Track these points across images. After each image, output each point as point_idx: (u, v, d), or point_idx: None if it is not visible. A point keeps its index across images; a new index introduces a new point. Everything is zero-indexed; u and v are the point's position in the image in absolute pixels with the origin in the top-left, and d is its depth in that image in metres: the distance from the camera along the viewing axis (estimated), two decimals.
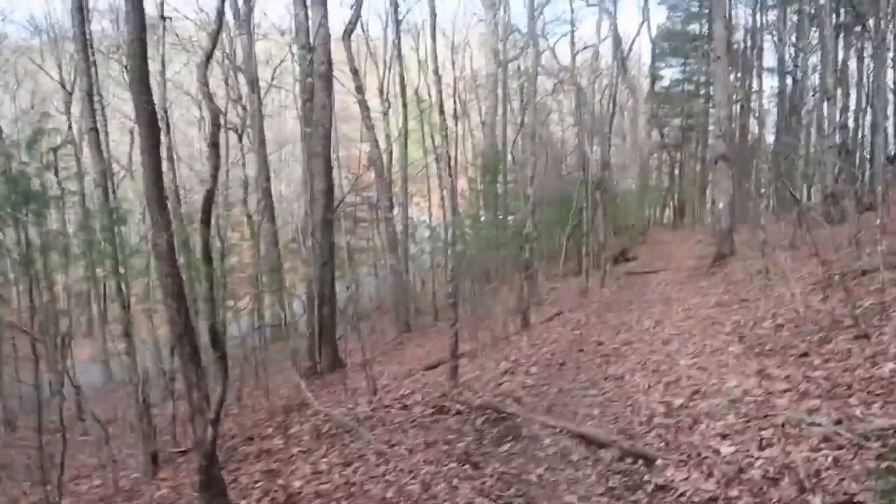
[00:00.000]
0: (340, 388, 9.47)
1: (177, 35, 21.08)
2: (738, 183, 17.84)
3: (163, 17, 15.58)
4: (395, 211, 21.92)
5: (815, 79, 27.73)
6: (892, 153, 16.74)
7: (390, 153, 21.06)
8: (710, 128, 33.67)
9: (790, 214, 19.59)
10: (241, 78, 18.86)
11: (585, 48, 28.72)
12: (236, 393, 11.32)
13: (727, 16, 14.00)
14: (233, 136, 18.97)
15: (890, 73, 21.69)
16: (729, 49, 15.30)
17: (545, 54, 28.55)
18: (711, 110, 32.79)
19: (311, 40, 10.56)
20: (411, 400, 6.34)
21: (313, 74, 10.70)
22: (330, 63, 10.84)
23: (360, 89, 15.61)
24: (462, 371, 7.57)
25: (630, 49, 33.28)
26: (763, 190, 18.94)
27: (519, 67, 25.79)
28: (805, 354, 5.38)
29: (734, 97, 20.82)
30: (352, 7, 15.70)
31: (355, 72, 15.48)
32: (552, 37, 52.89)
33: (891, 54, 21.00)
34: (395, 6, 19.63)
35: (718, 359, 5.84)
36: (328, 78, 10.74)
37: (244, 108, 18.82)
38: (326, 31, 10.67)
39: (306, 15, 10.98)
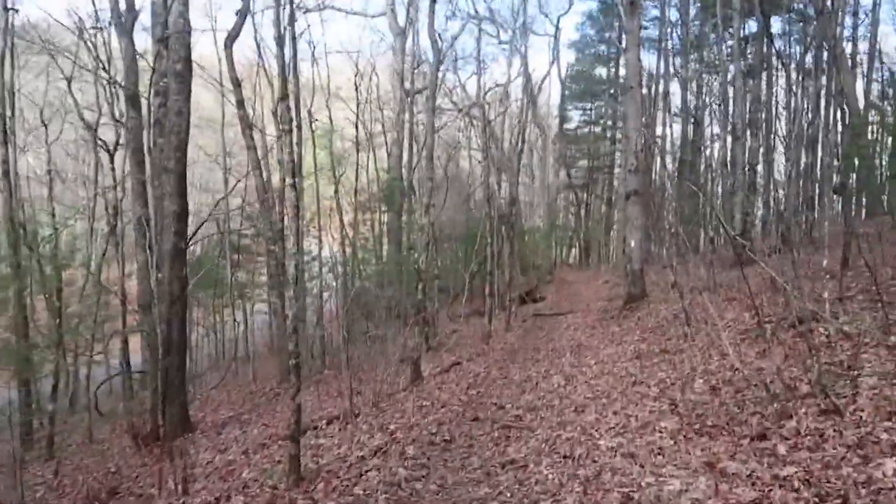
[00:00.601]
0: (175, 466, 7.46)
1: (40, 38, 18.50)
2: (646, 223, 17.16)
3: (6, 8, 13.24)
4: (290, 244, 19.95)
5: (715, 124, 28.46)
6: (838, 183, 16.50)
7: (282, 179, 19.12)
8: (617, 166, 33.98)
9: (695, 256, 19.25)
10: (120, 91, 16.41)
11: (497, 86, 28.19)
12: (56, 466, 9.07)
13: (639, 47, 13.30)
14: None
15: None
16: (642, 81, 14.69)
17: (456, 90, 27.78)
18: (619, 150, 33.15)
19: (166, 31, 8.74)
20: None
21: (168, 73, 8.85)
22: (189, 61, 9.02)
23: (241, 104, 13.79)
24: (322, 449, 5.83)
25: (540, 88, 33.08)
26: (673, 230, 18.35)
27: (427, 99, 24.72)
28: (763, 436, 4.03)
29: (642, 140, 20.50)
30: (237, 13, 14.00)
31: (237, 83, 13.67)
32: (463, 72, 52.91)
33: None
34: (292, 20, 17.93)
35: (649, 440, 4.41)
36: (185, 79, 8.91)
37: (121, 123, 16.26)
38: (186, 22, 8.88)
39: (165, 2, 9.17)
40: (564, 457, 4.40)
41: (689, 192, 24.16)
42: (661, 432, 4.53)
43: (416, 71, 25.17)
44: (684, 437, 4.37)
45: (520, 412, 6.08)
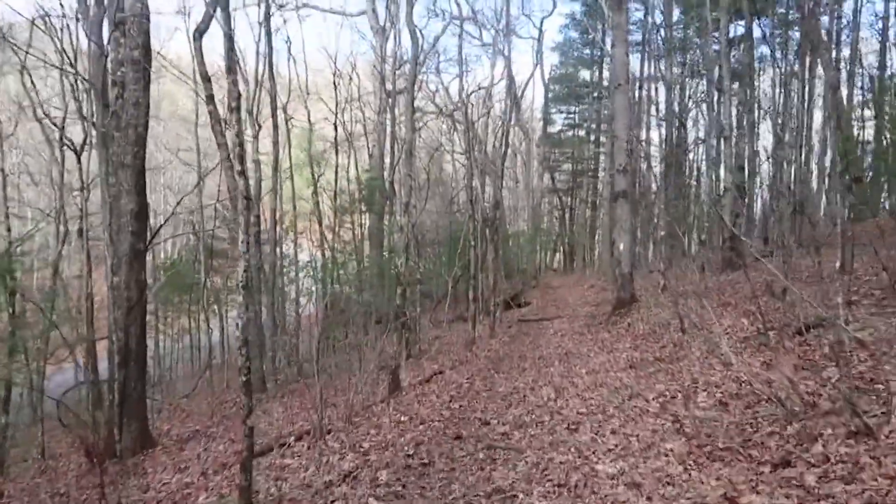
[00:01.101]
0: (132, 487, 6.82)
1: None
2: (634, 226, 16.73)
3: None
4: (266, 247, 19.35)
5: (699, 127, 28.24)
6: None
7: (259, 180, 18.46)
8: (601, 169, 33.66)
9: (683, 260, 18.85)
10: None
11: (480, 88, 27.73)
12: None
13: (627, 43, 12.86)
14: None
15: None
16: (630, 78, 14.26)
17: (438, 93, 27.31)
18: (603, 153, 32.84)
19: (122, 14, 8.11)
20: None
21: (125, 61, 8.22)
22: (147, 48, 8.42)
23: (211, 98, 13.07)
24: (287, 471, 5.24)
25: (523, 91, 32.65)
26: (662, 233, 17.96)
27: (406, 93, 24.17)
28: (787, 463, 3.51)
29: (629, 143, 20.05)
30: (207, 3, 13.36)
31: (206, 78, 12.98)
32: (446, 75, 52.50)
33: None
34: (268, 15, 17.39)
35: (655, 465, 3.87)
36: (143, 67, 8.29)
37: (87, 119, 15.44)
38: (144, 5, 8.26)
39: None
40: (558, 485, 3.85)
41: (676, 195, 23.94)
42: (667, 456, 4.00)
43: (397, 72, 24.66)
44: (694, 461, 3.84)
45: (506, 429, 5.51)
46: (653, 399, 5.53)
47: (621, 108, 12.73)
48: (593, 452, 4.33)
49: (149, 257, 20.22)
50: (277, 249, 19.87)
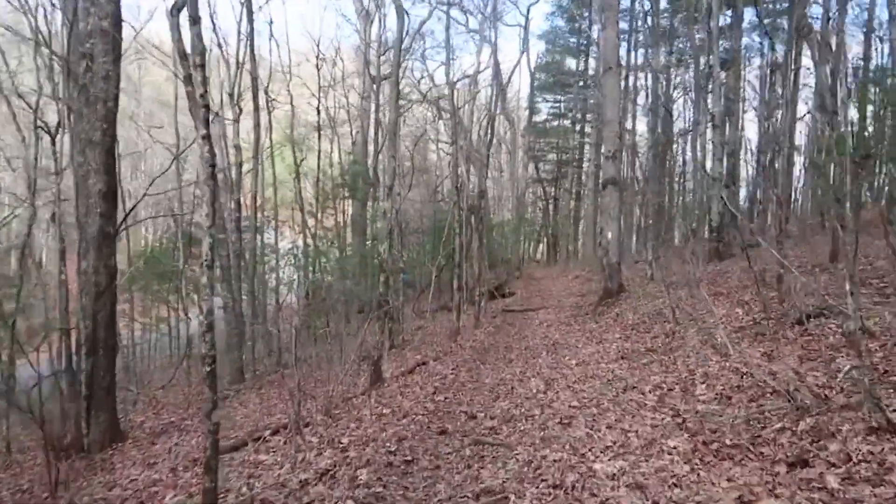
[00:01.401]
0: (98, 483, 6.42)
1: None
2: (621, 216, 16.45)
3: None
4: (247, 234, 18.88)
5: (686, 117, 28.07)
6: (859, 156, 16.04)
7: (240, 165, 17.93)
8: (586, 160, 33.43)
9: (669, 250, 18.66)
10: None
11: (466, 76, 27.31)
12: None
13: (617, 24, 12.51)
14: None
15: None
16: (619, 62, 13.92)
17: (423, 80, 26.83)
18: (588, 143, 32.60)
19: None
20: None
21: (93, 32, 7.73)
22: (117, 18, 7.91)
23: (189, 79, 12.55)
24: (261, 469, 4.88)
25: (509, 79, 32.25)
26: (649, 222, 17.72)
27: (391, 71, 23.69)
28: (804, 462, 3.22)
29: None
30: None
31: (184, 55, 12.44)
32: (431, 62, 51.90)
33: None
34: None
35: (658, 464, 3.56)
36: (113, 38, 7.80)
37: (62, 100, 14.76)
38: None
39: None
40: (554, 486, 3.53)
41: (662, 184, 23.75)
42: (670, 454, 3.69)
43: (382, 57, 24.18)
44: (701, 460, 3.54)
45: (494, 423, 5.19)
46: (649, 391, 5.23)
47: (611, 92, 12.41)
48: (590, 449, 4.02)
49: (128, 244, 19.76)
50: (258, 236, 19.38)
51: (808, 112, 20.60)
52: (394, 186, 11.56)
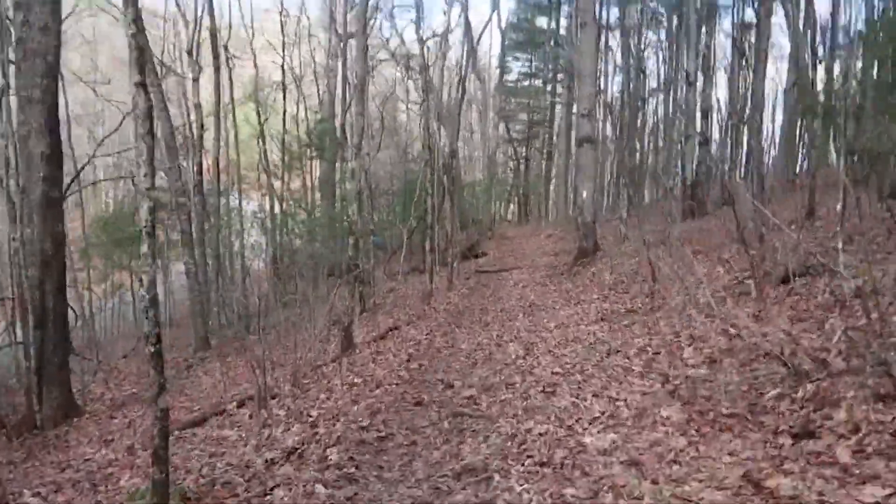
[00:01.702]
0: (49, 464, 6.03)
1: None
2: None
3: None
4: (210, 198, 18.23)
5: (659, 73, 27.72)
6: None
7: (201, 126, 17.14)
8: (557, 119, 33.03)
9: (640, 209, 18.49)
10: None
11: (435, 35, 26.47)
12: None
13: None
14: None
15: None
16: (596, 17, 13.47)
17: (393, 40, 25.93)
18: (559, 103, 32.14)
19: None
20: None
21: None
22: None
23: (137, 22, 11.79)
24: (224, 446, 4.55)
25: (479, 38, 31.44)
26: (624, 181, 17.50)
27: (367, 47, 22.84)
28: (810, 434, 2.99)
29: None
30: None
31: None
32: (400, 21, 50.46)
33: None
34: None
35: (652, 437, 3.32)
36: None
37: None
38: None
39: None
40: (541, 464, 3.26)
41: (633, 143, 23.56)
42: (664, 426, 3.44)
43: (349, 14, 23.24)
44: (698, 431, 3.30)
45: (473, 392, 4.91)
46: (634, 355, 5.00)
47: (588, 47, 11.99)
48: (577, 421, 3.77)
49: (82, 210, 18.93)
50: (222, 199, 18.72)
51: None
52: (362, 146, 11.04)
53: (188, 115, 18.31)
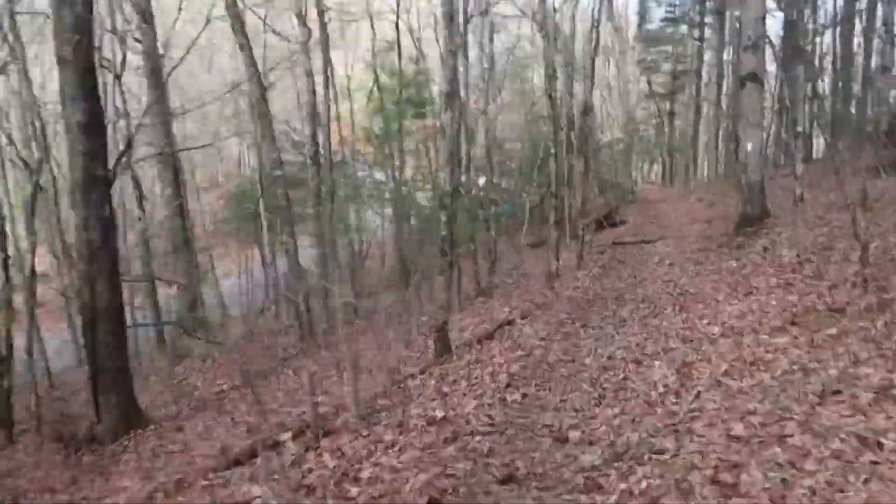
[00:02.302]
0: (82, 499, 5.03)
1: None
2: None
3: None
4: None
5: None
6: None
7: (313, 92, 16.18)
8: (706, 67, 29.20)
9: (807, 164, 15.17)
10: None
11: None
12: None
13: None
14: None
15: None
16: None
17: None
18: (708, 49, 28.35)
19: None
20: None
21: None
22: None
23: None
24: None
25: None
26: (800, 129, 14.38)
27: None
28: None
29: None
30: None
31: None
32: None
33: None
34: None
35: None
36: None
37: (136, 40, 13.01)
38: None
39: None
40: None
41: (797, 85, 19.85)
42: None
43: None
44: None
45: (597, 461, 3.12)
46: (869, 404, 2.95)
47: None
48: None
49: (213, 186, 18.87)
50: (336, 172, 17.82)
51: None
52: (458, 94, 9.28)
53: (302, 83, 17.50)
